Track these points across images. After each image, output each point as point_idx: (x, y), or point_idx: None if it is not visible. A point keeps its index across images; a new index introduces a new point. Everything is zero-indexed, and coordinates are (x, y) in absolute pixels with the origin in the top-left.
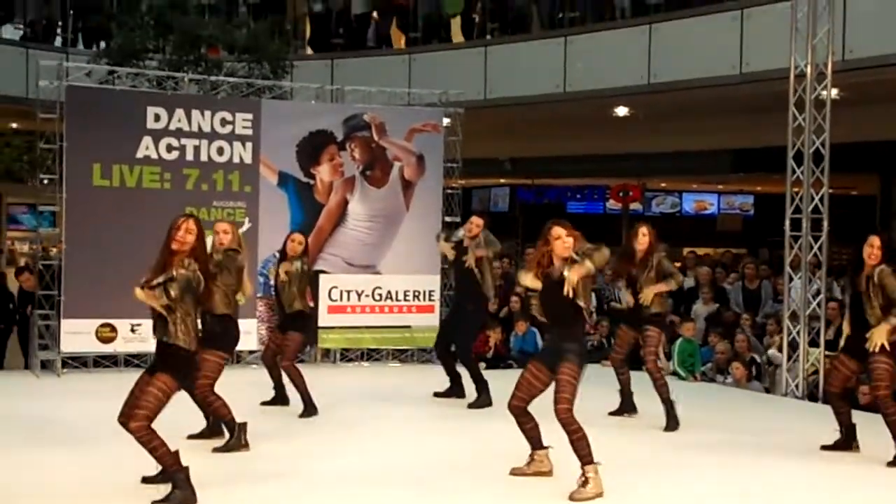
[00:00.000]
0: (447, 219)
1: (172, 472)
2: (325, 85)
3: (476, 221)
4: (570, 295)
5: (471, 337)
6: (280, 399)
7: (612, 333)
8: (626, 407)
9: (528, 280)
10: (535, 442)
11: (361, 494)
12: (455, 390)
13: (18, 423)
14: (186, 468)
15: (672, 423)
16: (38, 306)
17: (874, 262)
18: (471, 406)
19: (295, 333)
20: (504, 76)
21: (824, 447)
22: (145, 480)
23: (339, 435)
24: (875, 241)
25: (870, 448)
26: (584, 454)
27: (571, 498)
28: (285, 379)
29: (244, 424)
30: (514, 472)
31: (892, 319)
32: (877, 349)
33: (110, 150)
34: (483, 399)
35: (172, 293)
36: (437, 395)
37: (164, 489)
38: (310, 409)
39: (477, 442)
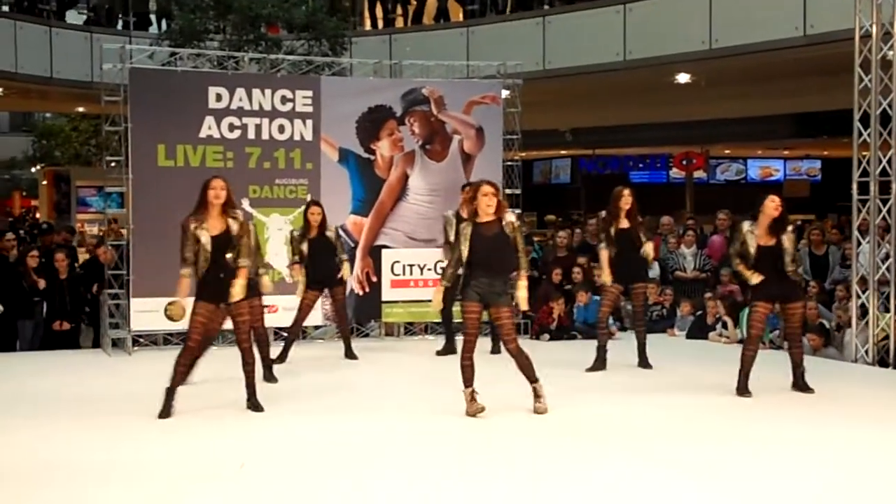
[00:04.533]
0: (508, 191)
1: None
2: (384, 60)
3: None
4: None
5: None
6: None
7: (677, 302)
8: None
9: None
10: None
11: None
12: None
13: (96, 402)
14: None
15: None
16: (107, 286)
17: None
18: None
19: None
20: (563, 46)
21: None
22: None
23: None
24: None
25: None
26: (529, 376)
27: (536, 411)
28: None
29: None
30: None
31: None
32: None
33: (174, 130)
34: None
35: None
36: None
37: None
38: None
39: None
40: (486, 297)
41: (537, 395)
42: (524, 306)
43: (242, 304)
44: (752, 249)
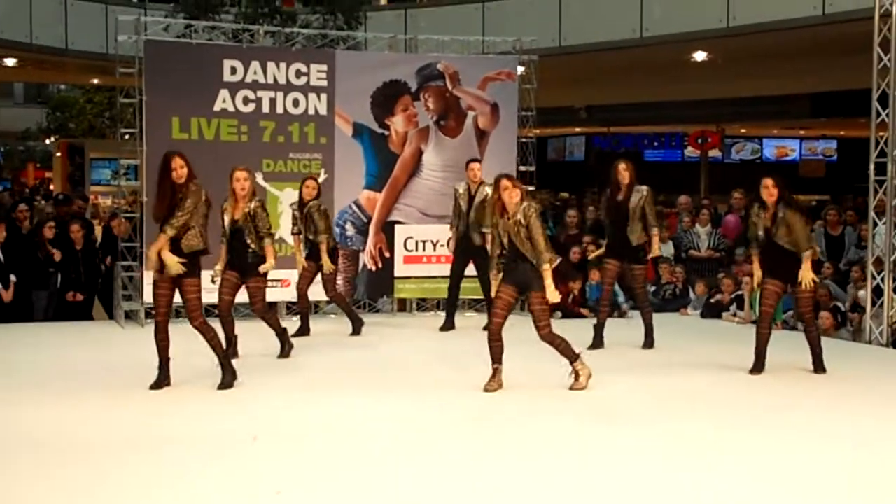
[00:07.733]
0: (521, 168)
1: (222, 357)
2: (399, 34)
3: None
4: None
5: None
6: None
7: (690, 281)
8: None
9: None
10: (498, 357)
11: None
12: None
13: (110, 373)
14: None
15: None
16: (120, 258)
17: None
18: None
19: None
20: (579, 23)
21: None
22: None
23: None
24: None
25: None
26: (569, 356)
27: (571, 388)
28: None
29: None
30: (487, 388)
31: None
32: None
33: (188, 103)
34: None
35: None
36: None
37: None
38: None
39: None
40: (522, 284)
41: (577, 377)
42: (554, 298)
43: (187, 280)
44: (761, 233)
